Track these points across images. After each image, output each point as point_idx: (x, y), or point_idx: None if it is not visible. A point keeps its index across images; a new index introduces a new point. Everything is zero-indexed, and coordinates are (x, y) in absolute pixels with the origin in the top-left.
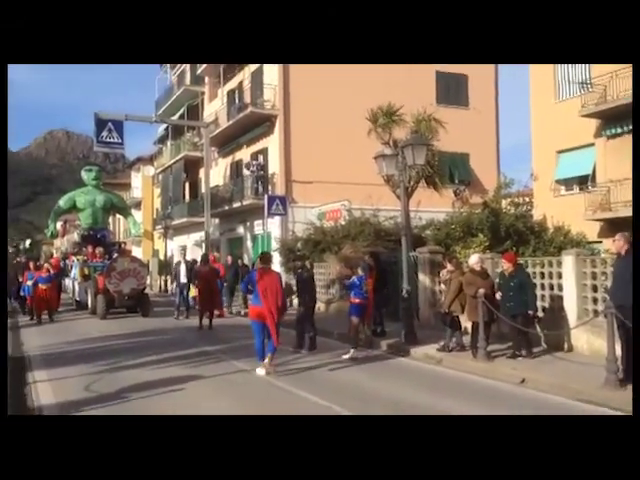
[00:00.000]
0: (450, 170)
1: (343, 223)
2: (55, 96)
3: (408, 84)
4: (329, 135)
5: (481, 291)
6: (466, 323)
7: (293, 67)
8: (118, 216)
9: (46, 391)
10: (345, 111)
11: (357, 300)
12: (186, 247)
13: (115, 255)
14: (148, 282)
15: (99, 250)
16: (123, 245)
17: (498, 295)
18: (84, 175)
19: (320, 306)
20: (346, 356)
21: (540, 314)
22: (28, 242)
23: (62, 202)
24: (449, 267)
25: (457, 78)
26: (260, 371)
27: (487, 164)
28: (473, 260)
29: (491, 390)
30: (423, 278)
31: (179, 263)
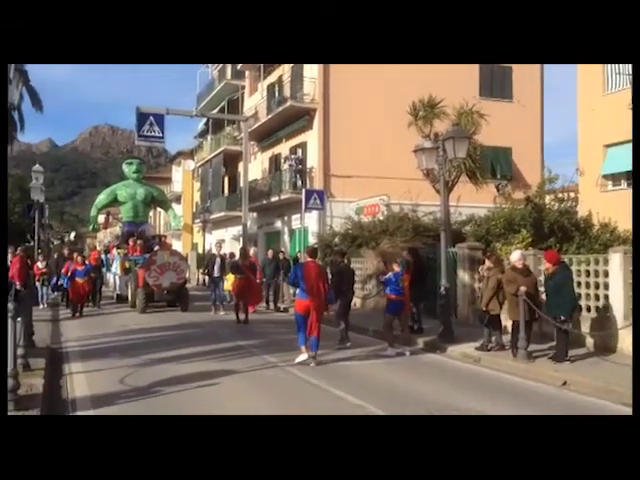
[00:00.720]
0: (492, 164)
1: (381, 218)
2: (101, 92)
3: (451, 76)
4: (368, 129)
5: (522, 289)
6: (506, 322)
7: None
8: (158, 209)
9: (81, 383)
10: (385, 104)
11: (392, 296)
12: (223, 240)
13: (156, 248)
14: (187, 276)
15: (139, 243)
16: (163, 238)
17: (543, 293)
18: (125, 168)
19: (356, 302)
20: (383, 353)
21: (586, 314)
22: (73, 235)
23: (103, 196)
24: (488, 264)
25: (502, 70)
26: (301, 357)
27: (530, 159)
28: (515, 257)
29: (531, 392)
30: (462, 275)
31: (213, 256)
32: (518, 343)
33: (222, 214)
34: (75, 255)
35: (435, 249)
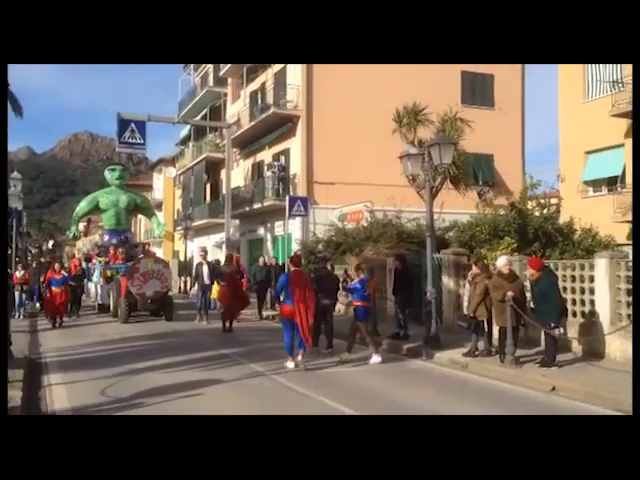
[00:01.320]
0: (474, 171)
1: (365, 225)
2: (81, 100)
3: (433, 84)
4: (352, 136)
5: (509, 294)
6: (493, 327)
7: (317, 67)
8: (139, 217)
9: (61, 395)
10: (368, 111)
11: (359, 303)
12: (206, 248)
13: (140, 256)
14: (171, 284)
15: (121, 251)
16: (147, 246)
17: (529, 298)
18: (107, 175)
19: (340, 308)
20: (371, 361)
21: (572, 319)
22: (51, 243)
23: (84, 203)
24: (475, 269)
25: (483, 78)
26: (290, 364)
27: (512, 165)
28: (501, 262)
29: (520, 398)
30: (447, 281)
31: (201, 264)
32: (506, 349)
33: (204, 221)
34: (59, 263)
35: (420, 255)
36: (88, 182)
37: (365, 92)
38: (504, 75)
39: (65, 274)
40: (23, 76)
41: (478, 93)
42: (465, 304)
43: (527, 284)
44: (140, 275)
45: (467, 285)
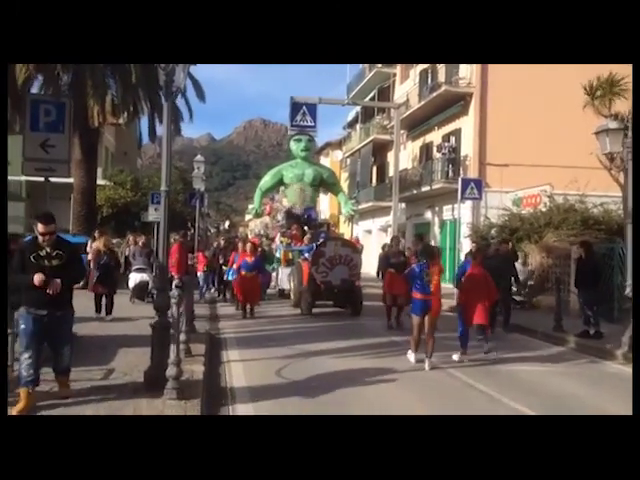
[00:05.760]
0: None
1: (543, 209)
2: (255, 88)
3: None
4: (530, 113)
5: None
6: None
7: None
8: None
9: (238, 372)
10: (547, 86)
11: (418, 295)
12: (371, 231)
13: (322, 238)
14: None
15: (310, 233)
16: (333, 227)
17: None
18: (293, 146)
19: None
20: (411, 358)
21: None
22: (227, 223)
23: (269, 177)
24: None
25: None
26: (454, 357)
27: None
28: None
29: None
30: None
31: (385, 247)
32: None
33: (370, 204)
34: (242, 244)
35: (610, 244)
36: (260, 166)
37: (544, 65)
38: None
39: (256, 258)
40: (211, 68)
41: None
42: None
43: None
44: (326, 260)
45: None
